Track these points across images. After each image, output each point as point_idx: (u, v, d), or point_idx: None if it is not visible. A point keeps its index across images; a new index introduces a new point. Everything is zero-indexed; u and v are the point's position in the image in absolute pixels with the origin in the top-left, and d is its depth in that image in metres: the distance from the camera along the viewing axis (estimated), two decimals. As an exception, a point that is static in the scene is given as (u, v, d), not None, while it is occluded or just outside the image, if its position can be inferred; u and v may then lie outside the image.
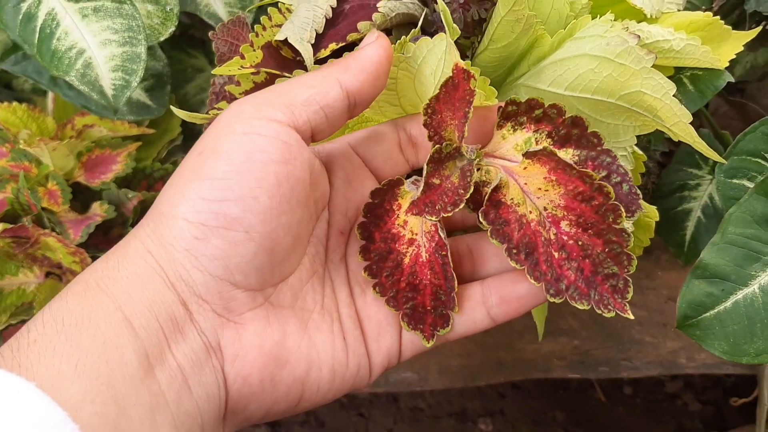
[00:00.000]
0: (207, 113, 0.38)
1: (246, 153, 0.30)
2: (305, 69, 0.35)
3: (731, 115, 0.69)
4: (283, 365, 0.31)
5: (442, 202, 0.32)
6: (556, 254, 0.31)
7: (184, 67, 0.67)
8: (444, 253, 0.33)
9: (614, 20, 0.34)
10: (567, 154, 0.32)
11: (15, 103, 0.59)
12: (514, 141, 0.33)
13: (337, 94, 0.32)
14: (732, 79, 0.41)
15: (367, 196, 0.35)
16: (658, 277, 0.73)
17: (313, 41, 0.35)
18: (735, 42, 0.41)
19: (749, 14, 0.50)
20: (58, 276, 0.56)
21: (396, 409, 0.90)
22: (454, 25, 0.33)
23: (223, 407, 0.30)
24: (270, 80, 0.37)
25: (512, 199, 0.32)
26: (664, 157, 0.63)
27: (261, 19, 0.38)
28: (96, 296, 0.28)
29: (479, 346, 0.77)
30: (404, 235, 0.34)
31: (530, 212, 0.32)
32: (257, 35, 0.37)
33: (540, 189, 0.32)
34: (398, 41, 0.34)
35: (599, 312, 0.31)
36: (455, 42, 0.33)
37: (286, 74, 0.35)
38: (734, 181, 0.47)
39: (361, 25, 0.35)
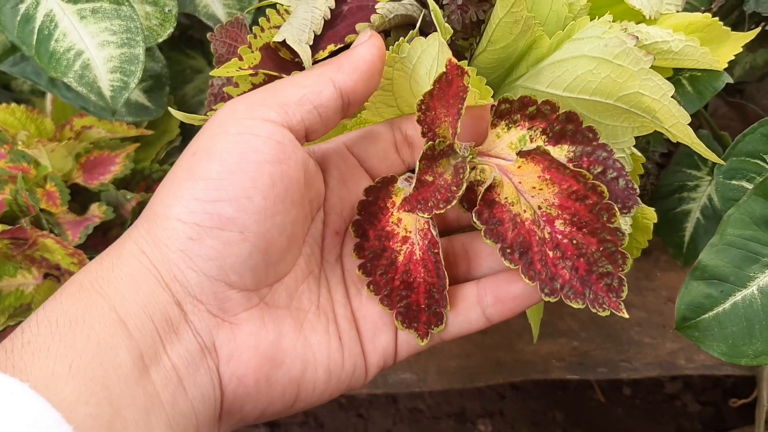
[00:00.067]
0: (206, 114, 0.38)
1: (240, 153, 0.30)
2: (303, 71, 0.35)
3: (730, 116, 0.69)
4: (278, 366, 0.31)
5: (435, 199, 0.32)
6: (550, 253, 0.31)
7: (183, 69, 0.67)
8: (436, 251, 0.33)
9: (613, 21, 0.34)
10: (562, 151, 0.32)
11: (13, 105, 0.59)
12: (508, 139, 0.33)
13: (330, 94, 0.32)
14: (731, 80, 0.41)
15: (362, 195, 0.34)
16: (657, 278, 0.73)
17: (311, 43, 0.35)
18: (734, 43, 0.40)
19: (748, 15, 0.50)
20: (56, 277, 0.56)
21: (395, 409, 0.89)
22: (446, 24, 0.33)
23: (218, 408, 0.30)
24: (268, 82, 0.37)
25: (506, 198, 0.32)
26: (663, 158, 0.62)
27: (259, 20, 0.38)
28: (90, 297, 0.28)
29: (478, 347, 0.77)
30: (398, 233, 0.34)
31: (524, 211, 0.32)
32: (255, 37, 0.37)
33: (534, 188, 0.32)
34: (396, 42, 0.34)
35: (594, 311, 0.31)
36: (454, 44, 0.33)
37: (285, 76, 0.35)
38: (733, 182, 0.47)
39: (360, 26, 0.35)
